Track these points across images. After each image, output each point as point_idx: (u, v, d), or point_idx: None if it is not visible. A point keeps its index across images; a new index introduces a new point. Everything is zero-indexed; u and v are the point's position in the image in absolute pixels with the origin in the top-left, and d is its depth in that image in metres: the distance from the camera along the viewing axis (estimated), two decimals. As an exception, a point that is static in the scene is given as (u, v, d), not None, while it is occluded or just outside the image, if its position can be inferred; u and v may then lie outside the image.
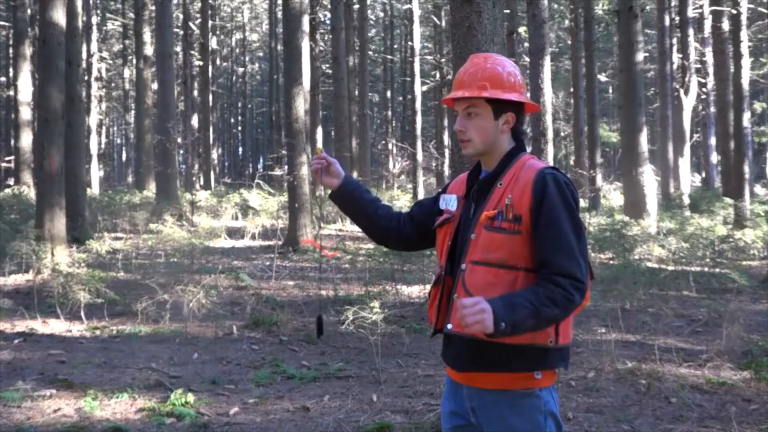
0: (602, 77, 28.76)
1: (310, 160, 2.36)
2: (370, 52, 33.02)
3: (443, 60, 26.23)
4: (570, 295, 1.81)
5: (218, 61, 43.43)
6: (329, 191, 2.25)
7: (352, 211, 2.23)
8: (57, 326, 6.56)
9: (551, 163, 12.48)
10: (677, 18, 20.63)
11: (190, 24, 29.78)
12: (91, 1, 27.05)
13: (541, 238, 1.86)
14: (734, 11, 16.61)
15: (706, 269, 9.15)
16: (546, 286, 1.81)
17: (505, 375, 1.90)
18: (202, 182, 30.63)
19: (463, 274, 1.93)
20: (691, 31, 20.06)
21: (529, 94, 11.72)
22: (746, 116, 16.01)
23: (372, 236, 2.28)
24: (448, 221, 2.08)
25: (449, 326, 1.95)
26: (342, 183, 2.20)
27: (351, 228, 15.59)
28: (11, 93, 25.68)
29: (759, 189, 27.69)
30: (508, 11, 18.26)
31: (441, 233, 2.10)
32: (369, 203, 2.21)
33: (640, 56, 13.88)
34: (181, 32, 28.21)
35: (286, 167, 12.78)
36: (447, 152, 25.14)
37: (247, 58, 50.26)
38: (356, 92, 24.77)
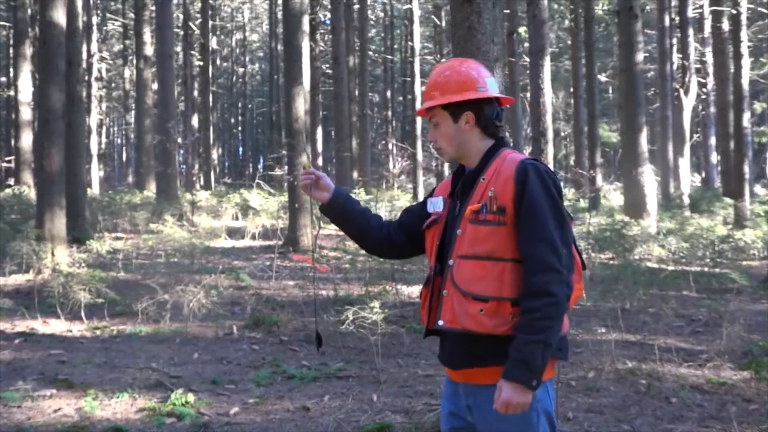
0: (602, 77, 28.77)
1: (306, 167, 2.35)
2: (370, 52, 33.03)
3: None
4: (553, 296, 1.81)
5: (218, 61, 43.44)
6: (320, 204, 2.26)
7: (344, 222, 2.24)
8: (57, 326, 6.56)
9: (551, 163, 12.31)
10: (677, 18, 20.63)
11: (190, 24, 29.78)
12: (91, 2, 27.04)
13: (523, 227, 1.88)
14: (734, 11, 16.62)
15: (706, 269, 9.14)
16: (530, 309, 1.82)
17: (500, 369, 1.89)
18: (202, 182, 30.63)
19: (451, 270, 1.95)
20: (691, 31, 20.07)
21: (529, 94, 11.73)
22: (746, 116, 16.02)
23: (364, 247, 2.30)
24: (435, 222, 2.10)
25: (440, 322, 1.96)
26: (332, 196, 2.21)
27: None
28: (11, 93, 25.67)
29: (759, 189, 27.69)
30: (508, 11, 18.29)
31: (429, 235, 2.12)
32: (360, 214, 2.22)
33: (640, 56, 13.88)
34: (182, 32, 28.21)
35: (286, 167, 12.78)
36: (447, 152, 25.07)
37: (247, 58, 50.26)
38: (356, 92, 24.78)
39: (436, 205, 2.12)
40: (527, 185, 1.88)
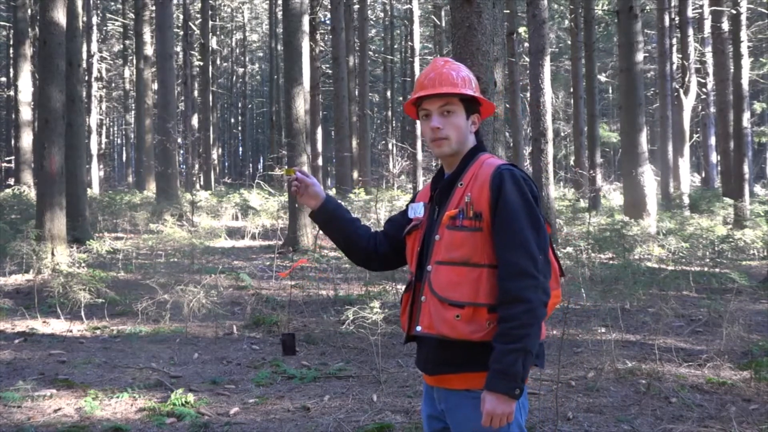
0: (602, 77, 28.76)
1: (289, 173, 2.35)
2: (370, 52, 33.02)
3: (437, 56, 26.22)
4: (528, 302, 1.80)
5: (218, 62, 43.42)
6: (310, 211, 2.25)
7: (331, 230, 2.23)
8: (57, 326, 6.56)
9: (551, 163, 12.28)
10: (677, 18, 20.63)
11: (190, 24, 29.77)
12: (91, 2, 27.04)
13: (498, 233, 1.87)
14: (734, 11, 16.62)
15: (706, 269, 9.15)
16: (507, 317, 1.80)
17: (471, 375, 1.89)
18: (202, 182, 30.64)
19: (429, 275, 1.95)
20: (691, 31, 20.07)
21: (529, 94, 11.72)
22: (746, 116, 16.03)
23: (351, 257, 2.28)
24: (416, 228, 2.09)
25: (418, 328, 1.97)
26: (322, 203, 2.21)
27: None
28: (12, 93, 25.68)
29: (759, 189, 27.69)
30: (508, 11, 18.29)
31: (410, 240, 2.12)
32: (349, 223, 2.22)
33: (640, 56, 13.88)
34: (182, 32, 28.21)
35: (286, 167, 12.78)
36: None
37: (247, 58, 50.25)
38: (356, 92, 24.78)
39: (417, 210, 2.12)
40: (503, 191, 1.88)
